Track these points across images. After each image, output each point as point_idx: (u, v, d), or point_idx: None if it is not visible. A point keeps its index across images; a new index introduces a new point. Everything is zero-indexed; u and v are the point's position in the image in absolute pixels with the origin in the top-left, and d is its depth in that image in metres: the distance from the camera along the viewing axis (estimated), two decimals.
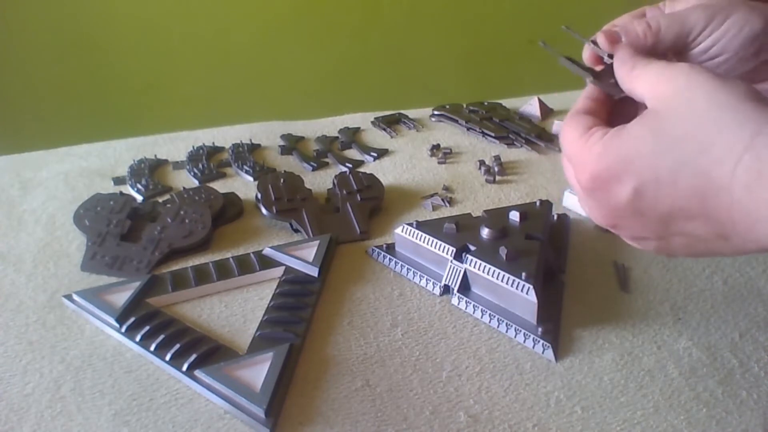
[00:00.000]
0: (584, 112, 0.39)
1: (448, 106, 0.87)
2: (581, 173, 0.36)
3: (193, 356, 0.43)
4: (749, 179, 0.29)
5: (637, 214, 0.34)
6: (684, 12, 0.39)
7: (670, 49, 0.39)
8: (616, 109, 0.41)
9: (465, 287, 0.50)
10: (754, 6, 0.38)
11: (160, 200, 0.66)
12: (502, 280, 0.46)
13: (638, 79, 0.36)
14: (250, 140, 0.80)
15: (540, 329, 0.45)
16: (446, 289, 0.51)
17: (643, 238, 0.36)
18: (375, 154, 0.76)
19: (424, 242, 0.52)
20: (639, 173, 0.33)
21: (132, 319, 0.47)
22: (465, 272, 0.49)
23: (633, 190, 0.33)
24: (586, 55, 0.42)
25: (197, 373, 0.42)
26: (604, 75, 0.40)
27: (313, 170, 0.73)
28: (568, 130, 0.38)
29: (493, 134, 0.79)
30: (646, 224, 0.35)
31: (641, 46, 0.38)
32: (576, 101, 0.41)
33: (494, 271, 0.47)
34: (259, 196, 0.63)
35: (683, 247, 0.35)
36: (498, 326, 0.47)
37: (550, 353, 0.44)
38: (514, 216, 0.53)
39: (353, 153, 0.78)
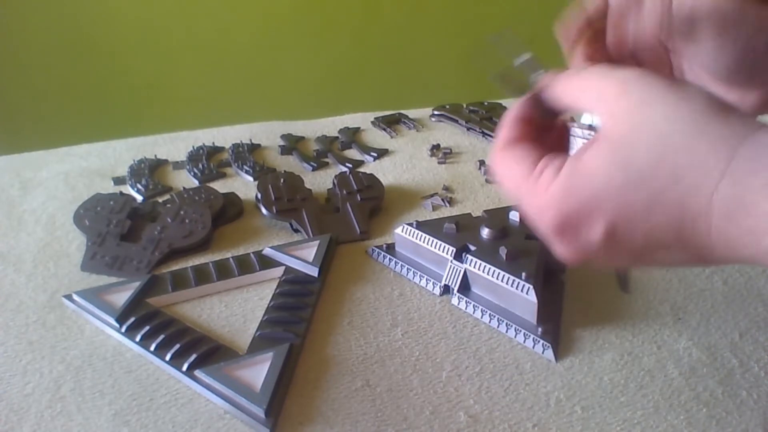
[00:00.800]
0: (518, 139, 0.36)
1: (448, 106, 0.87)
2: (542, 219, 0.33)
3: (193, 356, 0.43)
4: (729, 208, 0.27)
5: (610, 250, 0.32)
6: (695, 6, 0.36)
7: (678, 33, 0.37)
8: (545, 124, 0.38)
9: (465, 287, 0.50)
10: (763, 19, 0.36)
11: (160, 200, 0.66)
12: (502, 280, 0.46)
13: (580, 89, 0.34)
14: (250, 140, 0.80)
15: (540, 329, 0.45)
16: (446, 289, 0.51)
17: (617, 266, 0.34)
18: (375, 154, 0.76)
19: (424, 242, 0.52)
20: (609, 212, 0.30)
21: (132, 319, 0.47)
22: (465, 272, 0.49)
23: (605, 231, 0.31)
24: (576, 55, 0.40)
25: (197, 373, 0.42)
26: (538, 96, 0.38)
27: (313, 170, 0.73)
28: (508, 166, 0.35)
29: (493, 134, 0.79)
30: (620, 257, 0.32)
31: (655, 22, 0.35)
32: (501, 125, 0.37)
33: (494, 271, 0.47)
34: (259, 196, 0.63)
35: (660, 266, 0.33)
36: (498, 326, 0.47)
37: (550, 353, 0.44)
38: (514, 216, 0.53)
39: (353, 153, 0.78)
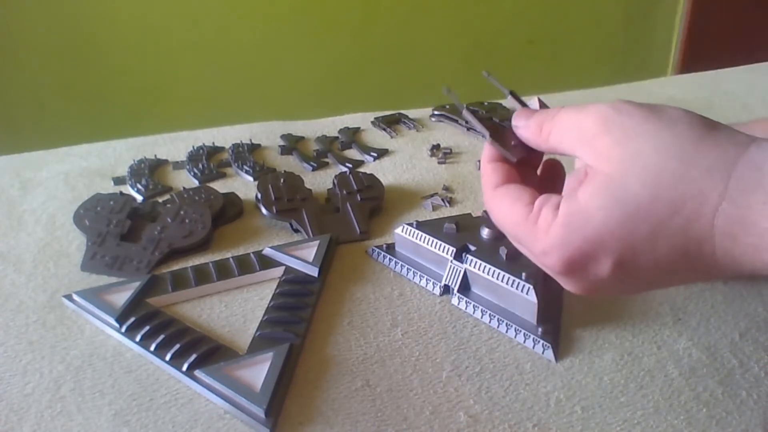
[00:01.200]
0: (506, 181, 0.37)
1: (448, 106, 0.87)
2: (547, 261, 0.33)
3: (193, 356, 0.43)
4: (732, 229, 0.28)
5: (619, 282, 0.32)
6: None
7: None
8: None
9: (465, 287, 0.50)
10: None
11: (160, 200, 0.66)
12: (502, 280, 0.46)
13: (555, 135, 0.34)
14: (250, 140, 0.80)
15: (540, 329, 0.45)
16: (446, 289, 0.51)
17: (630, 294, 0.35)
18: (375, 154, 0.76)
19: (424, 242, 0.52)
20: (614, 248, 0.30)
21: (132, 319, 0.47)
22: (465, 272, 0.49)
23: (612, 266, 0.31)
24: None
25: (197, 373, 0.42)
26: (506, 134, 0.38)
27: (313, 170, 0.73)
28: (504, 209, 0.35)
29: None
30: (631, 288, 0.33)
31: None
32: (486, 167, 0.38)
33: (494, 271, 0.47)
34: (259, 196, 0.63)
35: (673, 286, 0.34)
36: (498, 326, 0.47)
37: (550, 353, 0.44)
38: None
39: (353, 153, 0.78)
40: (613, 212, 0.30)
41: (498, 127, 0.38)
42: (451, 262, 0.50)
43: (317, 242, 0.55)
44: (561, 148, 0.35)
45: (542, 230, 0.33)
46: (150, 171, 0.72)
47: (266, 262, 0.54)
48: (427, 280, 0.52)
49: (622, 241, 0.30)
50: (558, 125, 0.34)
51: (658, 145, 0.29)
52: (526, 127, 0.37)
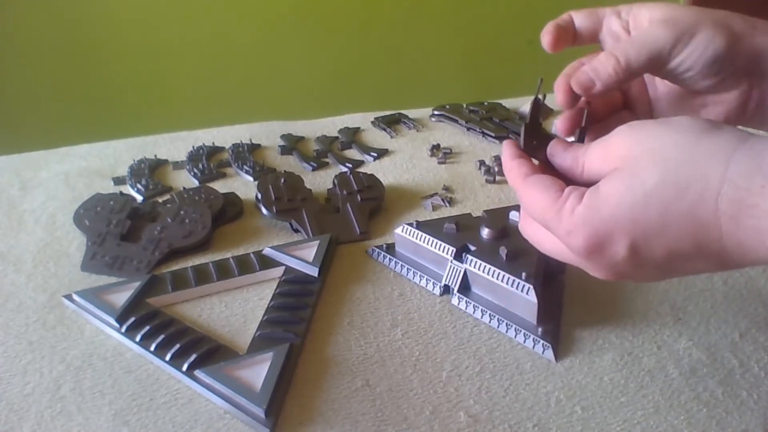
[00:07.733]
0: (535, 171, 0.39)
1: (448, 106, 0.87)
2: (571, 241, 0.35)
3: (193, 356, 0.43)
4: (733, 211, 0.29)
5: (637, 267, 0.34)
6: (649, 35, 0.39)
7: (642, 73, 0.40)
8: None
9: (465, 287, 0.50)
10: (717, 24, 0.39)
11: (160, 200, 0.66)
12: (502, 280, 0.46)
13: (588, 165, 0.36)
14: (250, 140, 0.80)
15: (540, 329, 0.45)
16: (446, 289, 0.51)
17: (651, 281, 0.36)
18: (375, 154, 0.76)
19: (424, 242, 0.52)
20: (627, 230, 0.32)
21: (132, 319, 0.47)
22: (465, 272, 0.49)
23: (627, 248, 0.33)
24: (561, 93, 0.43)
25: (197, 373, 0.42)
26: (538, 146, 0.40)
27: (313, 170, 0.73)
28: (535, 196, 0.37)
29: (493, 134, 0.79)
30: (648, 273, 0.34)
31: (615, 83, 0.38)
32: (511, 163, 0.40)
33: (494, 271, 0.47)
34: (259, 196, 0.63)
35: (690, 275, 0.35)
36: (498, 326, 0.47)
37: (550, 353, 0.44)
38: (514, 216, 0.53)
39: (353, 153, 0.78)
40: (624, 197, 0.32)
41: (531, 136, 0.41)
42: (451, 262, 0.50)
43: (317, 242, 0.55)
44: (595, 174, 0.36)
45: (568, 212, 0.35)
46: (150, 171, 0.72)
47: (266, 262, 0.54)
48: (427, 280, 0.52)
49: (634, 224, 0.32)
50: (590, 155, 0.36)
51: (666, 141, 0.32)
52: (563, 160, 0.39)
